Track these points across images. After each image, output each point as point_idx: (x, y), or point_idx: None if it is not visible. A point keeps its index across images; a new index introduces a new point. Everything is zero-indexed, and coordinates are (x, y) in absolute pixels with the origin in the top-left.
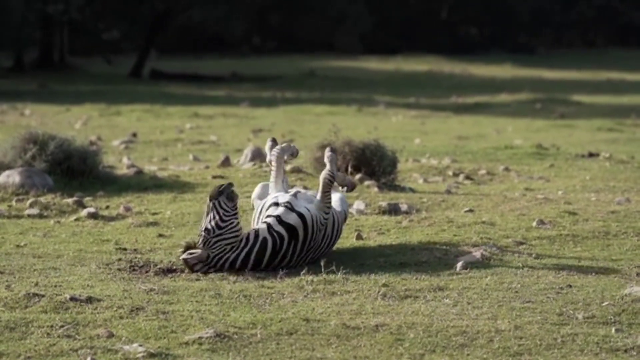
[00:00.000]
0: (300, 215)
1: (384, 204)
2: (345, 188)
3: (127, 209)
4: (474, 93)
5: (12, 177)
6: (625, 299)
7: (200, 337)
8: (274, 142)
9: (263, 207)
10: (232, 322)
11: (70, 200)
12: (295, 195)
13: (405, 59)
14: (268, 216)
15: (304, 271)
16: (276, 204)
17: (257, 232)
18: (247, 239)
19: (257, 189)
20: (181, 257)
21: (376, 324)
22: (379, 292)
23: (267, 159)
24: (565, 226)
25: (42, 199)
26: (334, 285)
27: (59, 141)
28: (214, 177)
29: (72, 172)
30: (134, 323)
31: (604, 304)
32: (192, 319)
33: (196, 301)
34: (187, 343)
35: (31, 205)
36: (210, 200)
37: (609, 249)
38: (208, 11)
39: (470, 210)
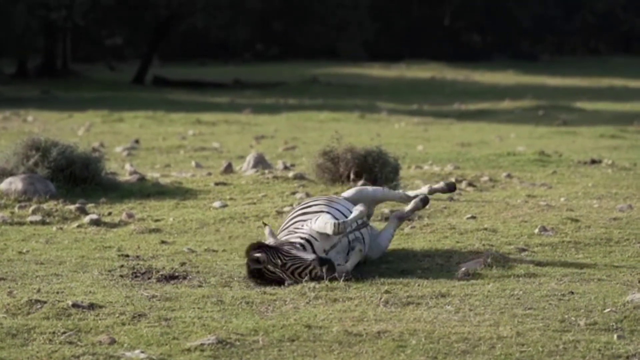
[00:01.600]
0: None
1: (386, 210)
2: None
3: (130, 216)
4: (476, 100)
5: (15, 183)
6: (627, 306)
7: (202, 344)
8: (450, 190)
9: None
10: (234, 329)
11: (72, 207)
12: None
13: (408, 65)
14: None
15: (306, 277)
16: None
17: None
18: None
19: (354, 192)
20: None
21: (378, 331)
22: (381, 298)
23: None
24: (567, 233)
25: (45, 206)
26: (336, 291)
27: (61, 148)
28: (217, 183)
29: (75, 179)
30: (136, 330)
31: (606, 311)
32: (194, 325)
33: (198, 308)
34: (189, 350)
35: (33, 212)
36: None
37: (611, 256)
38: (211, 18)
39: (473, 217)
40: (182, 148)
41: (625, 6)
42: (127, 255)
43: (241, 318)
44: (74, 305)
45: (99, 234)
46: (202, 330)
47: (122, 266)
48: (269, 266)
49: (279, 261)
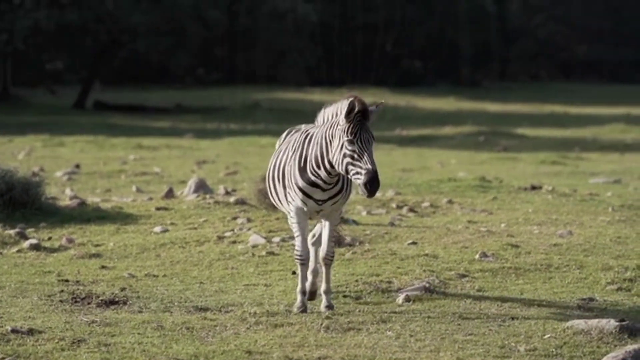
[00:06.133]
0: None
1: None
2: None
3: (70, 241)
4: (418, 126)
5: None
6: (567, 332)
7: None
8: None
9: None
10: (174, 355)
11: (12, 232)
12: None
13: (349, 91)
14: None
15: (246, 303)
16: None
17: None
18: None
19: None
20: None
21: (319, 357)
22: (321, 324)
23: None
24: (507, 259)
25: None
26: (276, 317)
27: (1, 172)
28: (158, 208)
29: (15, 203)
30: (75, 355)
31: (546, 337)
32: (134, 351)
33: (138, 333)
34: None
35: None
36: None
37: (551, 282)
38: (153, 43)
39: (414, 243)
40: (123, 173)
41: (566, 34)
42: (67, 280)
43: (181, 344)
44: (13, 330)
45: (39, 259)
46: (142, 356)
47: (62, 291)
48: None
49: None
